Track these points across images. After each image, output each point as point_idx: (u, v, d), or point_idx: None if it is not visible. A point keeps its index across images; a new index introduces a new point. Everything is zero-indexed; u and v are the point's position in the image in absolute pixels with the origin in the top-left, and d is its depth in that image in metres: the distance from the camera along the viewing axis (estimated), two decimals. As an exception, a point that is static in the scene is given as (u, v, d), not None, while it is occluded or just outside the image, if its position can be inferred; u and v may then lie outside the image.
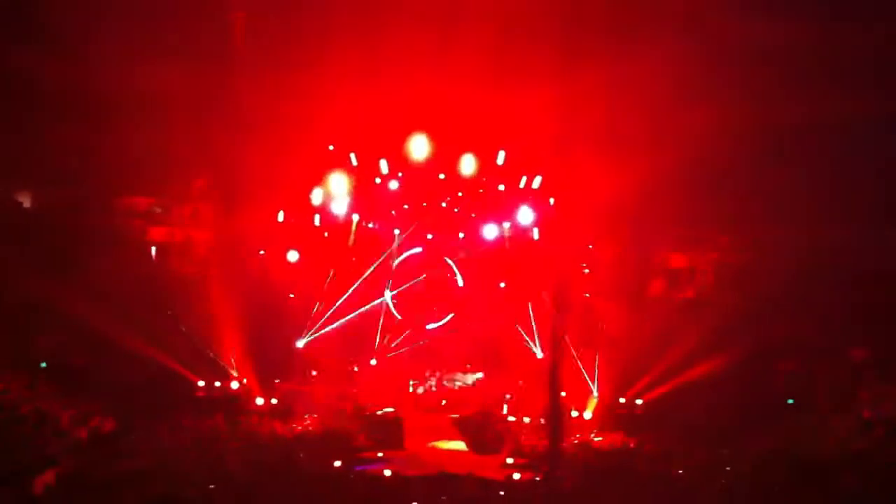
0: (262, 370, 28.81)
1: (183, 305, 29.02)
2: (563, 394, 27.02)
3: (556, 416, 25.55)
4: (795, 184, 28.49)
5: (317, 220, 31.12)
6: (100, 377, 26.22)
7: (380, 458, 25.33)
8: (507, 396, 30.00)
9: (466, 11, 27.51)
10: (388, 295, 31.56)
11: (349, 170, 30.83)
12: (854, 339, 28.37)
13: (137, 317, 27.21)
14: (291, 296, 30.84)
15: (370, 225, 31.80)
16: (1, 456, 20.99)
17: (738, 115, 27.32)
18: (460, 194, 31.82)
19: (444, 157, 30.81)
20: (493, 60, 27.27)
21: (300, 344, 30.51)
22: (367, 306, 31.15)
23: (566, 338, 27.78)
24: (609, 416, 28.10)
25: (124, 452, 22.70)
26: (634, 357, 28.53)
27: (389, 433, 27.27)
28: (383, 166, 31.01)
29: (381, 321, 31.45)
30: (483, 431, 27.61)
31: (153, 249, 30.92)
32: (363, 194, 31.27)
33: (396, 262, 31.68)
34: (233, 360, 28.63)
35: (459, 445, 27.41)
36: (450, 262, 31.98)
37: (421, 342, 31.74)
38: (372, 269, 31.18)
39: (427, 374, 31.52)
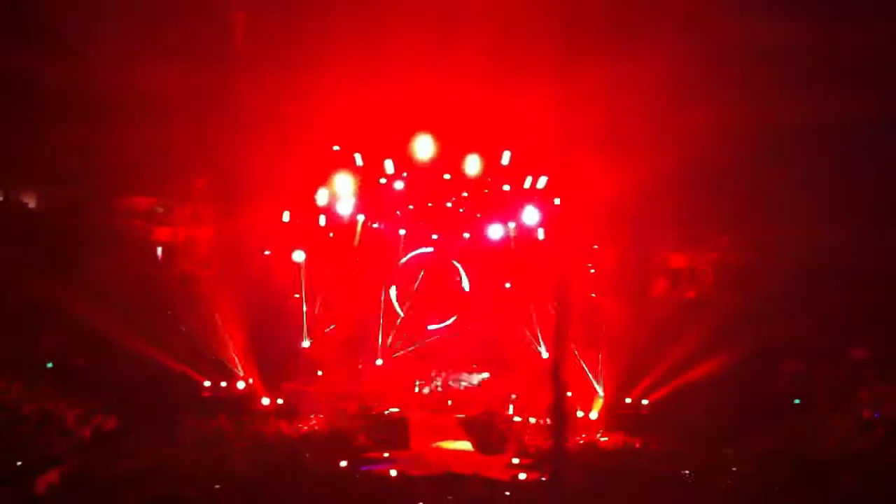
0: (268, 370, 28.79)
1: (186, 305, 28.99)
2: (570, 394, 26.96)
3: (559, 416, 25.44)
4: (795, 184, 28.52)
5: (322, 220, 31.03)
6: (101, 377, 26.14)
7: (385, 458, 25.21)
8: (513, 396, 29.91)
9: (468, 11, 27.49)
10: (393, 295, 31.56)
11: (354, 170, 30.80)
12: (854, 339, 28.40)
13: (139, 317, 27.22)
14: (296, 296, 30.68)
15: (375, 225, 31.78)
16: (2, 456, 20.89)
17: (738, 115, 27.28)
18: (465, 194, 31.79)
19: (449, 157, 30.75)
20: (496, 60, 27.26)
21: (305, 344, 30.47)
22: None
23: (570, 337, 27.76)
24: (614, 416, 28.11)
25: (127, 452, 22.56)
26: (636, 357, 28.53)
27: (395, 433, 27.21)
28: (388, 166, 30.96)
29: (383, 321, 31.41)
30: (489, 431, 27.55)
31: (159, 250, 30.86)
32: (368, 194, 31.21)
33: (403, 261, 31.68)
34: (238, 361, 28.56)
35: (465, 445, 27.32)
36: (457, 265, 31.97)
37: (426, 341, 31.70)
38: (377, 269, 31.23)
39: (433, 374, 31.43)
